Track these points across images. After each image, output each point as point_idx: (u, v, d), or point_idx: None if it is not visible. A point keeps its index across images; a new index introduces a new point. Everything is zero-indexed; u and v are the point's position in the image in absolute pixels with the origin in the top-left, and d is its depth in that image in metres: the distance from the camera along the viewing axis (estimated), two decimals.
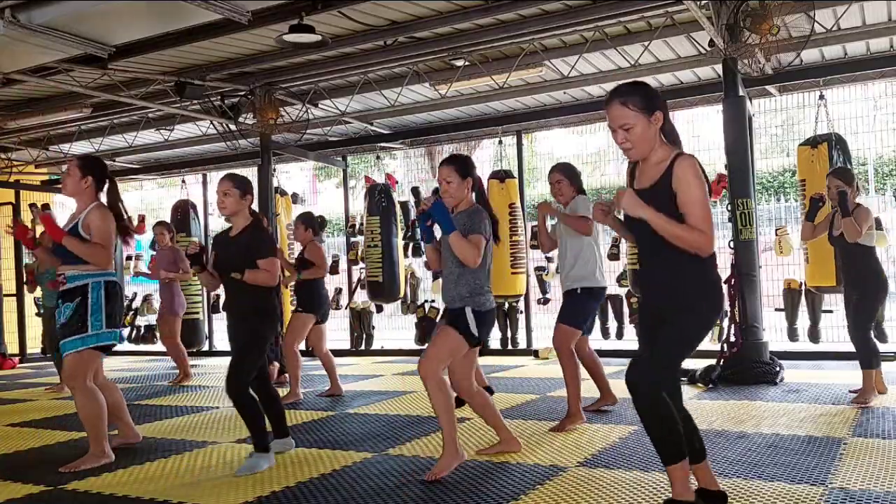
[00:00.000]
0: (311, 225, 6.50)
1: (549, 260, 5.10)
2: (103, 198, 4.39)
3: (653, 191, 2.73)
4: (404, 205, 9.76)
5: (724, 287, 6.64)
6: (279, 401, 4.38)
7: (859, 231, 4.96)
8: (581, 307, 4.79)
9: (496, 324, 9.32)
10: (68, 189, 4.33)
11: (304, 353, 9.82)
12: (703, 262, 2.74)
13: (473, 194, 3.94)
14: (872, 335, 5.27)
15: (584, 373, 4.93)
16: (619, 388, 5.99)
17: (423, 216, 3.82)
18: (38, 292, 8.51)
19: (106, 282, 4.21)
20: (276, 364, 7.30)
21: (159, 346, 10.67)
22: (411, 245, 9.46)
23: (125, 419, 4.70)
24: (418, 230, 4.10)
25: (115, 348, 12.65)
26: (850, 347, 5.31)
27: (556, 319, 4.85)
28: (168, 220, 9.46)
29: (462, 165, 3.90)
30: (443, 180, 3.88)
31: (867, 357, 5.11)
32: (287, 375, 7.39)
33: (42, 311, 10.57)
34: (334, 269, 9.46)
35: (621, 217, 3.07)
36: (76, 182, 4.28)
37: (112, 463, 4.25)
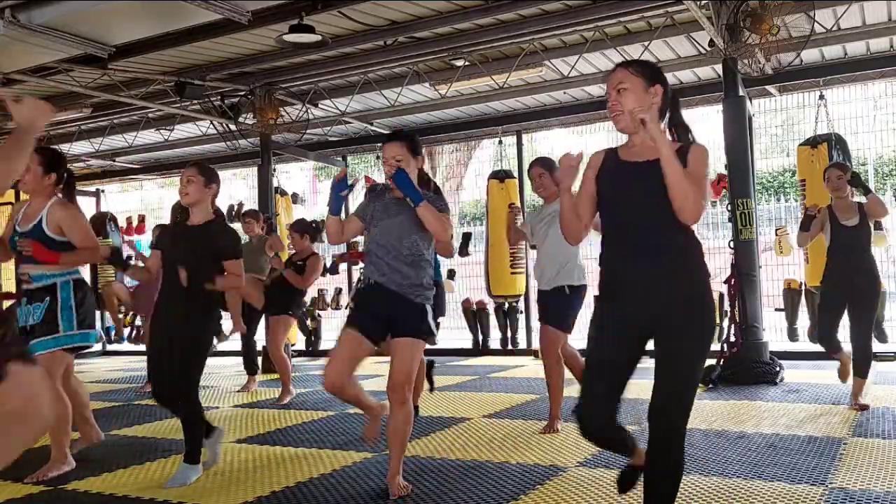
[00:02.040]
0: (307, 231, 6.38)
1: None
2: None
3: (656, 162, 2.40)
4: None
5: (724, 287, 6.67)
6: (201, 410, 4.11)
7: (886, 207, 4.90)
8: (570, 307, 4.60)
9: (497, 324, 9.32)
10: (28, 185, 3.99)
11: (302, 353, 9.89)
12: (701, 250, 2.49)
13: (418, 176, 3.57)
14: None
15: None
16: None
17: (341, 184, 3.46)
18: None
19: (74, 280, 4.01)
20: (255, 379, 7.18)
21: None
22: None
23: (87, 418, 4.46)
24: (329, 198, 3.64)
25: (115, 348, 12.57)
26: (849, 348, 5.30)
27: (542, 321, 4.66)
28: (168, 220, 9.45)
29: (413, 143, 3.56)
30: (391, 157, 3.49)
31: (867, 366, 5.01)
32: (256, 380, 7.26)
33: None
34: (334, 270, 9.46)
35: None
36: (37, 178, 3.95)
37: (112, 463, 4.25)
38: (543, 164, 4.73)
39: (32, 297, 3.97)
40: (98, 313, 11.29)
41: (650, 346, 2.48)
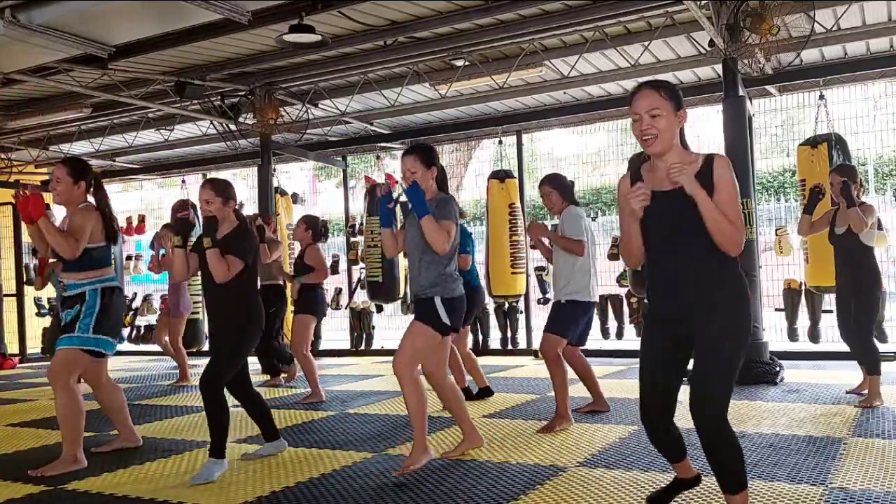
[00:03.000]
0: (314, 227, 6.48)
1: (549, 261, 5.14)
2: (91, 199, 4.34)
3: (682, 190, 2.58)
4: (405, 205, 9.74)
5: None
6: (263, 402, 4.28)
7: (865, 221, 4.94)
8: (565, 317, 4.82)
9: (497, 324, 9.33)
10: (61, 197, 4.21)
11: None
12: (737, 267, 2.68)
13: (435, 184, 3.92)
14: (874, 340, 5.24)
15: (573, 374, 5.01)
16: (612, 388, 6.01)
17: (385, 198, 3.86)
18: (39, 291, 8.50)
19: (103, 288, 4.18)
20: (290, 368, 7.32)
21: (159, 347, 10.69)
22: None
23: (125, 422, 4.64)
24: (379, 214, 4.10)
25: (117, 348, 12.63)
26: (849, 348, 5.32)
27: (545, 328, 4.92)
28: (168, 220, 9.45)
29: (425, 155, 3.87)
30: (407, 171, 3.83)
31: (874, 362, 5.06)
32: (282, 378, 7.38)
33: (42, 311, 10.59)
34: (334, 270, 9.46)
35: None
36: (68, 189, 4.21)
37: (112, 463, 4.25)
38: (552, 182, 4.98)
39: (67, 304, 4.22)
40: None
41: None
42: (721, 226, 2.53)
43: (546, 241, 5.05)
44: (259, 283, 7.33)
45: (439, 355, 3.95)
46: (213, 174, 12.70)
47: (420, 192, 3.69)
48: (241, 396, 4.18)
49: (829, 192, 5.34)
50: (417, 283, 3.85)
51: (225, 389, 3.97)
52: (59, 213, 5.74)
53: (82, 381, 4.32)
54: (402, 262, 9.53)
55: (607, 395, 5.40)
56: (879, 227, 6.86)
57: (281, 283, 7.16)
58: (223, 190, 4.06)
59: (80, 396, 4.15)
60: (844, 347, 5.47)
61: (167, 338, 7.79)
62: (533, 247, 5.37)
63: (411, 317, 3.93)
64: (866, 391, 5.14)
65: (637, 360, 2.83)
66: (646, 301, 2.88)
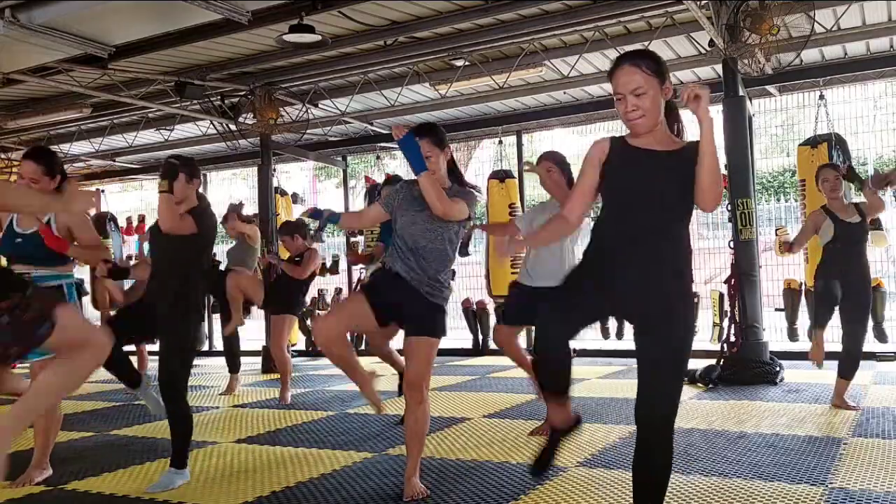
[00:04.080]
0: (297, 231, 6.37)
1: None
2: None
3: (676, 154, 2.43)
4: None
5: (724, 287, 6.67)
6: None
7: (883, 202, 4.90)
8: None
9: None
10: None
11: (303, 353, 9.89)
12: (688, 253, 2.51)
13: (446, 168, 3.50)
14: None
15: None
16: (613, 388, 6.02)
17: (407, 138, 3.35)
18: None
19: (76, 283, 4.05)
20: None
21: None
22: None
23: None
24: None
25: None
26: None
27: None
28: None
29: (438, 136, 3.46)
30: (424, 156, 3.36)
31: (852, 369, 5.03)
32: (239, 378, 7.22)
33: None
34: (334, 270, 9.46)
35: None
36: (44, 185, 3.89)
37: (112, 463, 4.25)
38: (553, 158, 4.55)
39: None
40: (98, 314, 11.32)
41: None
42: (716, 168, 2.33)
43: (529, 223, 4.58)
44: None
45: (347, 320, 3.46)
46: (212, 174, 12.73)
47: (414, 144, 3.27)
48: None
49: (822, 191, 5.21)
50: (409, 273, 3.38)
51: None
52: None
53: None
54: None
55: (608, 395, 5.39)
56: (879, 227, 6.88)
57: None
58: (190, 168, 3.88)
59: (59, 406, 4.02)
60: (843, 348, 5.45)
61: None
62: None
63: None
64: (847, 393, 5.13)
65: (637, 359, 2.61)
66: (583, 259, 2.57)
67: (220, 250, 9.03)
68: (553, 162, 4.50)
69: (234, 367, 6.93)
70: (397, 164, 15.54)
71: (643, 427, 2.45)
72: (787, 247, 5.31)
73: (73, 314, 2.47)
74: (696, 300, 2.59)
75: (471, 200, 3.45)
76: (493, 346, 9.32)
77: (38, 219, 3.87)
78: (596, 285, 2.48)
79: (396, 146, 11.47)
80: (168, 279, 3.81)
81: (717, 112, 7.57)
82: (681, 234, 2.48)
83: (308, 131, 9.57)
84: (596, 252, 2.52)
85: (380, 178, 9.91)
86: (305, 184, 18.71)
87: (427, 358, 3.40)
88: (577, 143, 12.48)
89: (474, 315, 9.37)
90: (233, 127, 9.25)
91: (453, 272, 8.47)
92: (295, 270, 6.24)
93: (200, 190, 4.06)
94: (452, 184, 3.51)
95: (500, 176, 8.96)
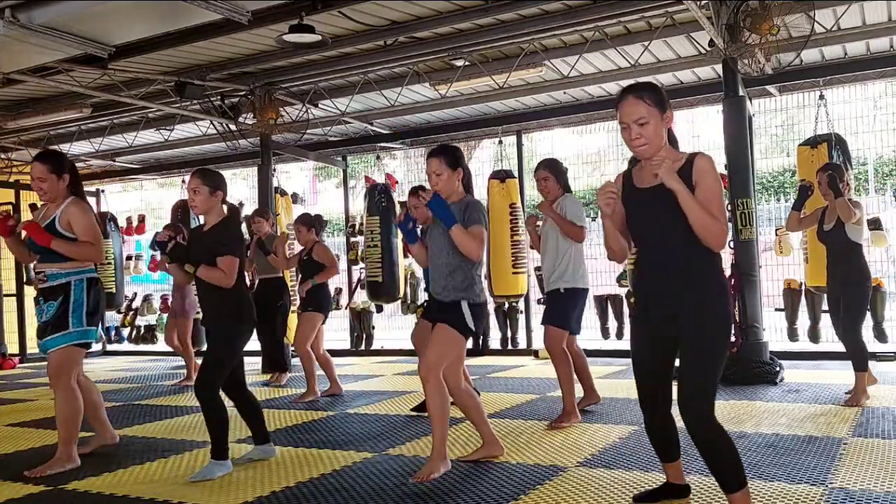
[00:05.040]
0: (313, 225, 6.51)
1: (536, 249, 5.14)
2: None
3: (666, 187, 2.63)
4: (404, 205, 9.75)
5: None
6: (258, 406, 4.25)
7: (853, 211, 4.94)
8: (565, 307, 4.76)
9: (497, 324, 9.33)
10: (48, 195, 4.15)
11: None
12: (717, 261, 2.72)
13: (461, 186, 3.84)
14: (862, 336, 5.25)
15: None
16: (613, 388, 6.02)
17: (404, 224, 3.86)
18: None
19: (88, 279, 4.14)
20: (287, 374, 7.41)
21: (159, 346, 10.70)
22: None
23: (103, 420, 4.59)
24: (400, 234, 4.09)
25: (115, 348, 12.64)
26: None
27: (544, 321, 4.84)
28: (168, 220, 9.47)
29: (452, 157, 3.79)
30: (432, 173, 3.76)
31: (860, 359, 5.10)
32: (284, 376, 7.44)
33: None
34: None
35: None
36: (54, 186, 4.13)
37: (112, 463, 4.25)
38: (549, 166, 4.89)
39: (47, 295, 4.11)
40: None
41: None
42: (703, 220, 2.57)
43: (541, 224, 4.97)
44: (257, 278, 7.42)
45: (455, 363, 3.81)
46: None
47: (442, 202, 3.60)
48: (235, 398, 4.14)
49: (819, 190, 5.34)
50: (442, 287, 3.76)
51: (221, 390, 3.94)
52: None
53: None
54: (402, 263, 9.54)
55: (607, 395, 5.39)
56: (879, 227, 6.89)
57: (281, 274, 7.17)
58: (211, 179, 3.96)
59: (80, 396, 4.14)
60: (844, 347, 5.46)
61: (177, 339, 7.81)
62: (532, 246, 5.36)
63: (411, 317, 3.92)
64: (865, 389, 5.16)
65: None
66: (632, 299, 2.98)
67: None
68: (549, 171, 4.88)
69: (277, 365, 7.47)
70: (397, 164, 15.56)
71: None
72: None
73: None
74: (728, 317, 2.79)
75: (478, 209, 3.75)
76: (492, 345, 9.35)
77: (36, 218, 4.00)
78: (642, 341, 2.86)
79: (396, 146, 11.44)
80: (209, 294, 3.96)
81: (717, 112, 7.58)
82: (698, 255, 2.67)
83: (308, 131, 9.57)
84: (635, 291, 2.92)
85: (380, 178, 9.93)
86: (305, 184, 18.72)
87: (439, 342, 3.73)
88: (576, 143, 12.49)
89: None
90: (233, 127, 9.25)
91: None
92: (326, 274, 6.34)
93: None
94: (466, 194, 3.86)
95: (501, 176, 8.95)
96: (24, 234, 4.18)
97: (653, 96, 2.70)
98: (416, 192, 5.29)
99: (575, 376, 4.91)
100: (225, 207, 4.05)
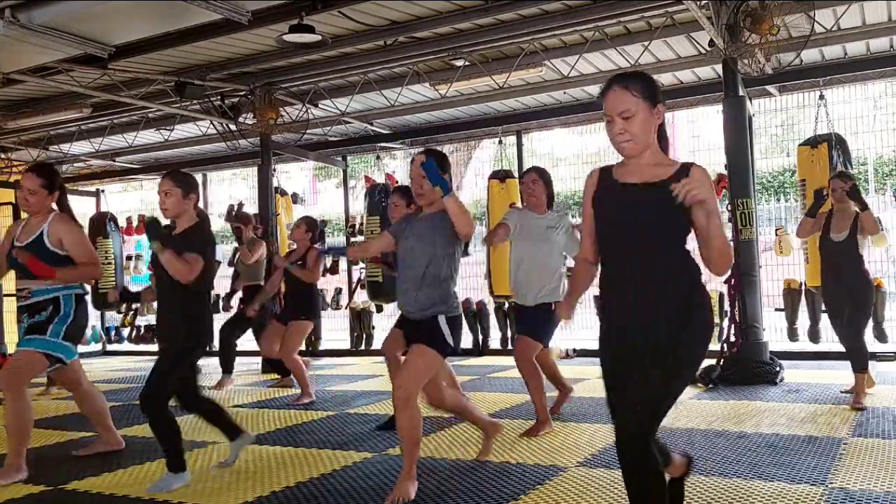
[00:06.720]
0: (313, 230, 6.48)
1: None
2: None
3: (659, 186, 2.30)
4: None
5: (724, 287, 6.67)
6: (220, 406, 4.13)
7: (878, 226, 4.94)
8: (550, 322, 4.64)
9: (496, 324, 9.32)
10: (34, 207, 4.10)
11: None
12: (699, 270, 2.39)
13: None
14: (864, 338, 5.25)
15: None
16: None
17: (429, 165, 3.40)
18: None
19: (76, 294, 4.12)
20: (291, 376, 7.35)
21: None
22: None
23: (109, 426, 4.58)
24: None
25: (115, 348, 12.57)
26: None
27: (520, 332, 4.73)
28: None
29: (438, 161, 3.49)
30: (418, 177, 3.53)
31: (861, 361, 5.10)
32: (290, 378, 7.38)
33: None
34: (334, 270, 9.46)
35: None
36: (42, 199, 4.09)
37: (112, 463, 4.26)
38: (540, 173, 4.87)
39: (33, 311, 4.03)
40: (98, 314, 11.32)
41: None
42: (725, 244, 2.27)
43: (511, 223, 4.78)
44: (242, 285, 7.45)
45: (433, 377, 3.65)
46: (212, 174, 12.73)
47: (435, 166, 3.33)
48: (196, 409, 4.01)
49: (833, 197, 5.33)
50: (415, 301, 3.51)
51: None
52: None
53: (57, 386, 4.24)
54: None
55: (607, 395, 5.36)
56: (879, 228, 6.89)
57: (263, 283, 7.13)
58: (184, 182, 3.86)
59: (31, 404, 4.04)
60: (845, 349, 5.47)
61: None
62: (487, 242, 5.31)
63: None
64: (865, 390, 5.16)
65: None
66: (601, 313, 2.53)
67: (220, 250, 9.03)
68: (540, 176, 4.82)
69: (228, 368, 7.28)
70: (397, 164, 15.55)
71: None
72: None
73: None
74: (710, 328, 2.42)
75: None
76: (492, 345, 9.35)
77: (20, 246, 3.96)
78: (618, 358, 2.45)
79: (396, 146, 11.43)
80: (169, 302, 3.84)
81: (717, 112, 7.58)
82: (677, 263, 2.37)
83: (308, 131, 9.57)
84: (604, 311, 2.46)
85: (380, 178, 9.93)
86: (305, 184, 18.71)
87: (415, 363, 3.54)
88: (577, 143, 12.48)
89: (474, 315, 9.37)
90: (233, 127, 9.25)
91: None
92: (305, 274, 6.24)
93: (200, 191, 4.06)
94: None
95: (501, 176, 8.96)
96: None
97: (642, 86, 2.34)
98: (400, 190, 5.23)
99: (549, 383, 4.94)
100: (195, 213, 3.90)
